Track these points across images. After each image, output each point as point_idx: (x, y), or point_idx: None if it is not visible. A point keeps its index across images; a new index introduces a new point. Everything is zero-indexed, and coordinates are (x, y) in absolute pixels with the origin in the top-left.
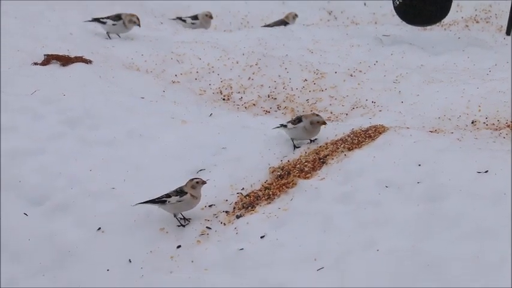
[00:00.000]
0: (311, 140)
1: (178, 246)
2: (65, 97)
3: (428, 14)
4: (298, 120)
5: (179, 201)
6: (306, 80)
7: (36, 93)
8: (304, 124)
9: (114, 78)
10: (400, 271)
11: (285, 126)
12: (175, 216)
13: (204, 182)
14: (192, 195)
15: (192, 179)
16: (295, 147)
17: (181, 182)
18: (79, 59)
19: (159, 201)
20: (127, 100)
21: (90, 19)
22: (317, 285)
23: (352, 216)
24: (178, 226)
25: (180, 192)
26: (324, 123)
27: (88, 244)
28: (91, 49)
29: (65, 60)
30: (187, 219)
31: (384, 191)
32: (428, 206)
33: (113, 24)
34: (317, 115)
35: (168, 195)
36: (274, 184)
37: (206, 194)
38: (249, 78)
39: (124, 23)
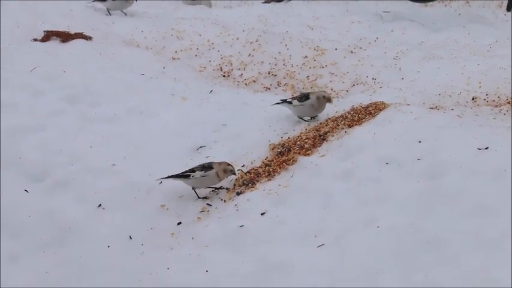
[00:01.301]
0: (311, 117)
1: (179, 223)
2: (65, 74)
3: None
4: (305, 97)
5: (203, 176)
6: (306, 56)
7: (36, 69)
8: (312, 101)
9: (114, 54)
10: (401, 248)
11: (289, 102)
12: (193, 189)
13: (234, 174)
14: (217, 174)
15: (229, 164)
16: (305, 120)
17: (182, 159)
18: (79, 36)
19: (183, 175)
20: (127, 77)
21: (92, 0)
22: (317, 262)
23: (352, 193)
24: (198, 199)
25: (207, 167)
26: (330, 100)
27: (88, 221)
28: (91, 25)
29: (65, 37)
30: (218, 188)
31: (384, 168)
32: (428, 182)
33: (113, 0)
34: (324, 91)
35: (193, 170)
36: (274, 161)
37: None
38: (249, 54)
39: None
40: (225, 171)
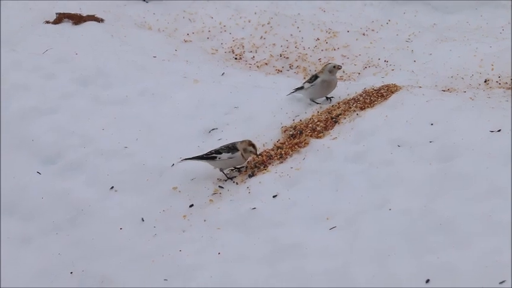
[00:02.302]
0: (327, 98)
1: (191, 205)
2: (77, 56)
3: None
4: (314, 77)
5: (230, 158)
6: (318, 39)
7: (49, 52)
8: (322, 78)
9: (126, 37)
10: (412, 230)
11: (301, 88)
12: (221, 170)
13: (256, 155)
14: (242, 154)
15: (251, 144)
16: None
17: (194, 141)
18: (91, 18)
19: (208, 157)
20: (139, 59)
21: None
22: (329, 244)
23: (364, 176)
24: (226, 180)
25: (232, 148)
26: (339, 66)
27: (101, 203)
28: (103, 8)
29: (77, 19)
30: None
31: (396, 151)
32: (440, 165)
33: None
34: (330, 62)
35: (218, 152)
36: (286, 143)
37: None
38: (261, 37)
39: None
40: (245, 150)
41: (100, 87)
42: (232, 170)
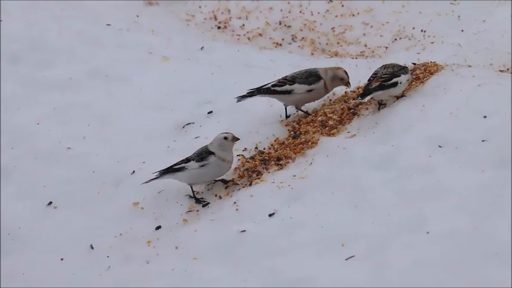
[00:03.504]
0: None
1: (158, 227)
2: (4, 23)
3: None
4: (314, 76)
5: (202, 167)
6: (331, 1)
7: None
8: (325, 78)
9: None
10: (459, 261)
11: (284, 91)
12: (191, 187)
13: (236, 138)
14: (220, 157)
15: (221, 134)
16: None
17: (162, 140)
18: None
19: (177, 169)
20: (88, 28)
21: None
22: (346, 279)
23: (393, 187)
24: (191, 197)
25: (204, 153)
26: (348, 84)
27: (36, 223)
28: None
29: None
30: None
31: (436, 153)
32: (496, 172)
33: None
34: (340, 68)
35: (188, 160)
36: (287, 143)
37: None
38: None
39: None
40: (221, 145)
41: (35, 65)
42: (213, 182)
